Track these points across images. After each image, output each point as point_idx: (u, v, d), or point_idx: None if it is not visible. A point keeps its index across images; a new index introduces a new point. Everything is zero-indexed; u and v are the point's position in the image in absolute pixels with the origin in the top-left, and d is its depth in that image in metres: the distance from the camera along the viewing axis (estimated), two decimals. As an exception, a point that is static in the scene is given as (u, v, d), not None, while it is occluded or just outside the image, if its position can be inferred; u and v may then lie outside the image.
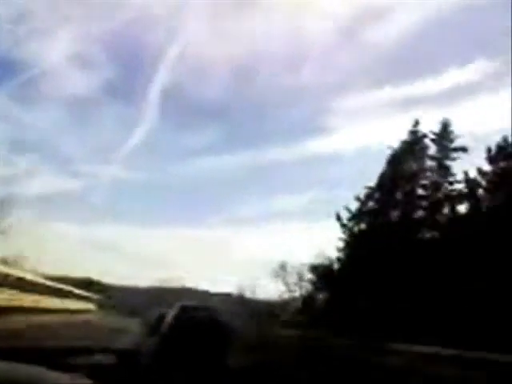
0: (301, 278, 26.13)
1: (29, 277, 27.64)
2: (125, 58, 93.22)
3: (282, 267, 24.14)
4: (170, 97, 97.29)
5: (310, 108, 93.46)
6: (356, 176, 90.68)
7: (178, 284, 60.76)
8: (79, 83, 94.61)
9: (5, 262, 40.07)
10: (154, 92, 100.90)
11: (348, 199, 30.73)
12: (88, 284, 65.72)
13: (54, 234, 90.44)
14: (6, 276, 22.55)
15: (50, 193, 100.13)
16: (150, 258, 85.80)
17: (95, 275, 71.16)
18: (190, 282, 62.63)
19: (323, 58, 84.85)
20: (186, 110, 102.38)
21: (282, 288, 27.52)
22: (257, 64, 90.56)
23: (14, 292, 22.26)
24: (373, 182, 27.23)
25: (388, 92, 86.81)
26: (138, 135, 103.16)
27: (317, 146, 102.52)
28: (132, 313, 44.54)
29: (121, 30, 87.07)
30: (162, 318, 16.03)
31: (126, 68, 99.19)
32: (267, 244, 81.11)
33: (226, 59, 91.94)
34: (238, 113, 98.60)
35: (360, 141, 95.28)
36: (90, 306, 49.85)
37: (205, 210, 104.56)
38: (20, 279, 24.33)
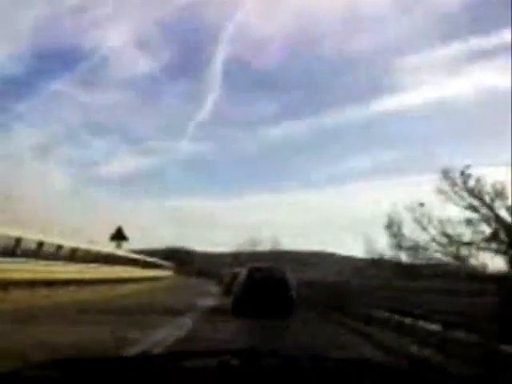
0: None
1: (117, 252, 30.60)
2: (185, 36, 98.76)
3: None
4: (232, 70, 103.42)
5: (374, 69, 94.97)
6: (425, 132, 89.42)
7: (266, 247, 61.17)
8: (143, 64, 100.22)
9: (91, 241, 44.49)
10: (216, 66, 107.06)
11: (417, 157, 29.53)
12: (175, 252, 69.78)
13: (136, 209, 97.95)
14: (97, 253, 24.51)
15: (129, 171, 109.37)
16: (233, 225, 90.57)
17: (183, 244, 75.80)
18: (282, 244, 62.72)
19: (382, 20, 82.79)
20: (249, 81, 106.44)
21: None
22: (315, 32, 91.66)
23: (100, 265, 24.21)
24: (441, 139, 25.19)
25: (453, 48, 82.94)
26: (205, 109, 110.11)
27: (382, 105, 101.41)
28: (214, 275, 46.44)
29: (179, 10, 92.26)
30: (234, 277, 17.86)
31: (188, 46, 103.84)
32: (343, 204, 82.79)
33: (283, 30, 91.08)
34: (300, 80, 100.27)
35: (427, 96, 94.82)
36: (168, 273, 52.32)
37: (278, 176, 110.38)
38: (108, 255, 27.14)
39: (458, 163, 20.89)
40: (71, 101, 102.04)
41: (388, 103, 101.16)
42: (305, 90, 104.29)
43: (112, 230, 32.02)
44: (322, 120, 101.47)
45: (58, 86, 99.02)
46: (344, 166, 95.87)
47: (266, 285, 14.16)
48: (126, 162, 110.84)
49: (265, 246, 60.94)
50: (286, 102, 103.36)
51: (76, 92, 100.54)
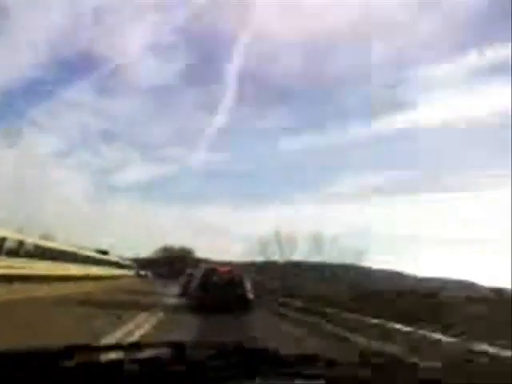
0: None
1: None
2: (200, 45, 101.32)
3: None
4: (246, 80, 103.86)
5: (388, 81, 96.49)
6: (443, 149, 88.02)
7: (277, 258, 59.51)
8: (158, 72, 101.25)
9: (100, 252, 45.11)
10: (231, 76, 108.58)
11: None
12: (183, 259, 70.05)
13: (151, 216, 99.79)
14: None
15: (144, 179, 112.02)
16: (247, 236, 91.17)
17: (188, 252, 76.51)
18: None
19: (394, 31, 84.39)
20: (264, 91, 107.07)
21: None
22: (327, 44, 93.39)
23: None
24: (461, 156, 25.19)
25: (469, 60, 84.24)
26: (219, 118, 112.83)
27: (397, 120, 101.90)
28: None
29: (194, 19, 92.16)
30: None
31: (203, 54, 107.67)
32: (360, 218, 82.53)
33: (296, 41, 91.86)
34: (315, 89, 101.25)
35: (444, 112, 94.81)
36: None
37: (292, 188, 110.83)
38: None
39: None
40: (87, 108, 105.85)
41: (407, 115, 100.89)
42: (319, 100, 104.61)
43: (123, 235, 33.23)
44: (337, 131, 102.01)
45: (74, 93, 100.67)
46: (362, 180, 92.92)
47: (220, 285, 14.78)
48: (140, 170, 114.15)
49: (276, 257, 60.67)
50: (302, 112, 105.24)
51: (92, 99, 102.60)
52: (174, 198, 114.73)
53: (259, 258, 55.52)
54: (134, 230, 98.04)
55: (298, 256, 51.50)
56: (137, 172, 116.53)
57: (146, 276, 60.09)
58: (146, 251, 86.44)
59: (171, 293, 24.68)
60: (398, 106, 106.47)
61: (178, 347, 1.57)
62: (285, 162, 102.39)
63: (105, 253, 46.40)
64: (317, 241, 48.37)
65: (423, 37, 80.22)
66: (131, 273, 54.75)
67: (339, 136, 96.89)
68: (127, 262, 58.59)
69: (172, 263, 65.12)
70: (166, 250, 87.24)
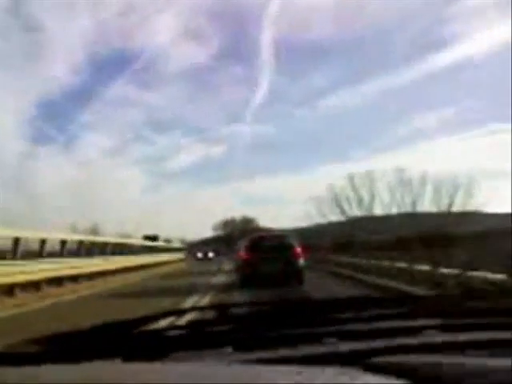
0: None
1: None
2: (231, 21, 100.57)
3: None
4: (281, 47, 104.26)
5: (427, 20, 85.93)
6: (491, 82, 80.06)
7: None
8: (194, 55, 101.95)
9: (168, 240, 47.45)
10: (266, 46, 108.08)
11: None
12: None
13: (207, 198, 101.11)
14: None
15: (198, 162, 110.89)
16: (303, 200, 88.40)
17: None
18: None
19: None
20: (299, 55, 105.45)
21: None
22: None
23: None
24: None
25: None
26: (261, 89, 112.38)
27: (442, 57, 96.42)
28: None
29: None
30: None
31: (234, 31, 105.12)
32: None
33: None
34: (353, 45, 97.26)
35: (490, 43, 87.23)
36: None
37: (347, 145, 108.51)
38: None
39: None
40: (131, 101, 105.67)
41: (448, 55, 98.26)
42: (358, 54, 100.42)
43: (187, 219, 32.92)
44: (380, 82, 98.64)
45: (116, 89, 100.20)
46: (411, 126, 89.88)
47: (269, 256, 13.41)
48: (192, 153, 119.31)
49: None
50: (342, 70, 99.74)
51: (133, 92, 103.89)
52: (227, 175, 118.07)
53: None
54: (190, 213, 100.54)
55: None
56: (188, 156, 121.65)
57: (205, 257, 49.09)
58: (206, 232, 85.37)
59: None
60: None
61: (221, 308, 1.74)
62: (329, 121, 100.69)
63: (154, 238, 43.33)
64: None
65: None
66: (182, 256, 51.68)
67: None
68: (179, 245, 54.57)
69: (232, 238, 62.06)
70: (227, 224, 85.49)
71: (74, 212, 76.65)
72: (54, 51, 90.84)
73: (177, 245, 53.84)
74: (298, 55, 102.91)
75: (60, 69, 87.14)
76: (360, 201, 31.61)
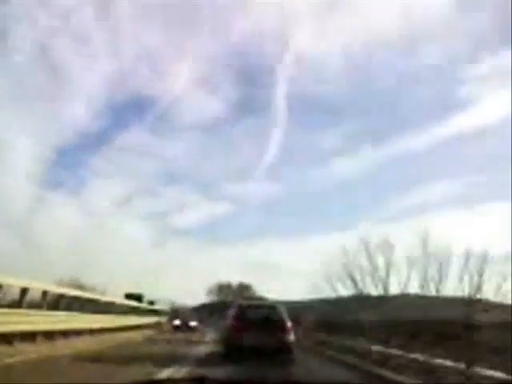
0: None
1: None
2: (244, 74, 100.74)
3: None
4: (295, 103, 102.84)
5: (440, 85, 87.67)
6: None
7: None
8: (208, 106, 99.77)
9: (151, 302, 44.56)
10: (279, 99, 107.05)
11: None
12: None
13: (216, 258, 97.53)
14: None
15: (204, 219, 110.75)
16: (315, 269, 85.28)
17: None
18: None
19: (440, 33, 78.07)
20: (313, 112, 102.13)
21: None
22: (370, 54, 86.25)
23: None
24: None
25: None
26: (273, 145, 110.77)
27: (455, 122, 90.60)
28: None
29: (235, 47, 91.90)
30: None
31: (248, 84, 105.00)
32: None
33: (339, 56, 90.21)
34: (364, 106, 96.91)
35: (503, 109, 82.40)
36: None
37: (355, 211, 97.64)
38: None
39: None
40: (142, 149, 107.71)
41: (462, 119, 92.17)
42: (372, 114, 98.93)
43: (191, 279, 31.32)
44: (395, 146, 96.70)
45: (129, 137, 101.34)
46: (422, 194, 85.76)
47: (258, 328, 12.77)
48: (199, 210, 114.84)
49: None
50: (354, 131, 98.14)
51: (146, 141, 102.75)
52: (234, 236, 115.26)
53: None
54: (188, 275, 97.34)
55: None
56: (196, 212, 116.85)
57: (185, 327, 38.23)
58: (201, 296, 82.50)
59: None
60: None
61: (199, 381, 1.99)
62: (341, 182, 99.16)
63: (138, 298, 40.60)
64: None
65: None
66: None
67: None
68: (164, 308, 51.19)
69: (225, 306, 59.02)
70: (221, 289, 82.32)
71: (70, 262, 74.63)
72: (72, 94, 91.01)
73: (163, 307, 51.29)
74: (311, 110, 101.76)
75: (76, 113, 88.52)
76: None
